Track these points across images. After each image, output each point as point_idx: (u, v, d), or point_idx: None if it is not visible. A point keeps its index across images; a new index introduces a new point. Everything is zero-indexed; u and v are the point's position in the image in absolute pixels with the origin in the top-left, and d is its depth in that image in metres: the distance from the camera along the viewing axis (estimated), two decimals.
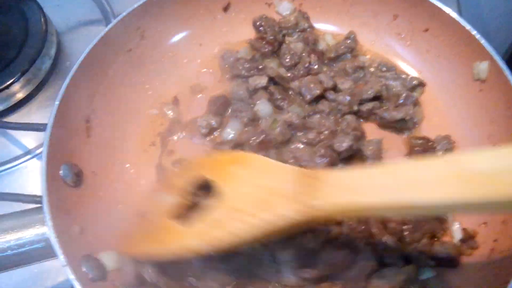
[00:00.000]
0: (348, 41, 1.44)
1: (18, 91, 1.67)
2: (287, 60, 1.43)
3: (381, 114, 1.30)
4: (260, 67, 1.41)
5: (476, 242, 1.15)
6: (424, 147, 1.27)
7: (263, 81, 1.37)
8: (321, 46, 1.47)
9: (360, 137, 1.26)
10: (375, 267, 1.10)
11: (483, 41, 1.26)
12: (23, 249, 1.06)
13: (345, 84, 1.35)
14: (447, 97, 1.37)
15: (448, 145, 1.28)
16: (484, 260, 1.12)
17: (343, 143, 1.21)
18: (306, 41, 1.46)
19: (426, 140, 1.29)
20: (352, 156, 1.25)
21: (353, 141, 1.22)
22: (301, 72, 1.41)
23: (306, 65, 1.42)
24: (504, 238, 1.12)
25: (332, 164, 1.20)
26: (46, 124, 1.18)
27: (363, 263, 1.10)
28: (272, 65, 1.45)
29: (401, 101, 1.31)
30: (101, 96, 1.34)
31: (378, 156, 1.25)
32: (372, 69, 1.42)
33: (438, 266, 1.13)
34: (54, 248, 1.03)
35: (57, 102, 1.19)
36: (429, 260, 1.13)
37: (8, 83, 1.61)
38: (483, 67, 1.27)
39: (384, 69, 1.42)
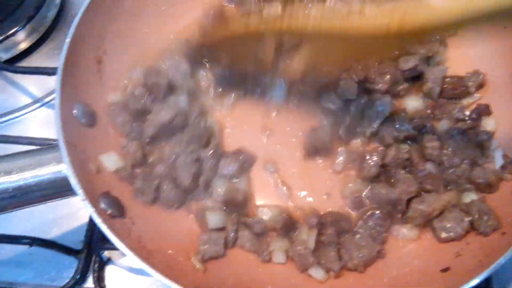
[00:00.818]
0: None
1: (24, 39, 1.63)
2: None
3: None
4: None
5: None
6: (454, 85, 1.26)
7: None
8: None
9: (425, 59, 1.27)
10: (415, 193, 1.12)
11: None
12: (41, 186, 1.04)
13: None
14: (471, 34, 1.32)
15: (478, 78, 1.26)
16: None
17: (409, 62, 1.23)
18: None
19: (457, 77, 1.27)
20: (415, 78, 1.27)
21: (418, 61, 1.24)
22: None
23: None
24: None
25: (394, 82, 1.23)
26: (56, 68, 1.14)
27: (404, 187, 1.12)
28: None
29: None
30: (112, 37, 1.29)
31: (439, 83, 1.25)
32: None
33: (477, 190, 1.14)
34: (72, 184, 1.01)
35: (68, 40, 1.15)
36: (468, 185, 1.14)
37: (13, 30, 1.57)
38: None
39: None
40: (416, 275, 1.07)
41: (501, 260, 0.94)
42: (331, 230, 1.13)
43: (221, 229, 1.16)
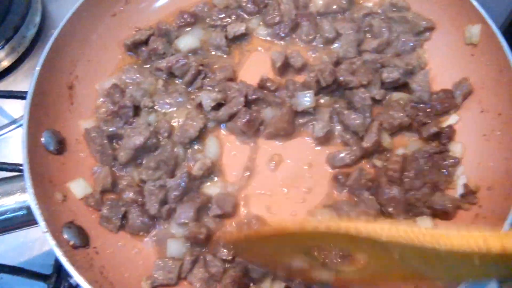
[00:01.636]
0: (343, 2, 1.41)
1: (3, 59, 1.63)
2: (270, 18, 1.41)
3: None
4: (234, 17, 1.41)
5: (476, 198, 1.15)
6: (441, 99, 1.27)
7: (242, 28, 1.36)
8: (312, 8, 1.43)
9: (410, 71, 1.29)
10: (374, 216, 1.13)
11: (475, 3, 1.23)
12: (4, 216, 1.05)
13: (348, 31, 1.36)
14: (439, 61, 1.33)
15: (466, 88, 1.26)
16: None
17: (392, 74, 1.25)
18: (296, 4, 1.42)
19: (443, 91, 1.28)
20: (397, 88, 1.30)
21: (401, 75, 1.26)
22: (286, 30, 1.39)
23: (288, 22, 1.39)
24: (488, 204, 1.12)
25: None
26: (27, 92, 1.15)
27: (364, 209, 1.14)
28: (253, 21, 1.44)
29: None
30: (84, 62, 1.31)
31: (427, 86, 1.27)
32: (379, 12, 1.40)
33: (433, 216, 1.14)
34: (35, 215, 1.02)
35: (38, 68, 1.17)
36: (425, 209, 1.14)
37: None
38: (475, 30, 1.25)
39: (394, 9, 1.40)
40: None
41: None
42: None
43: (178, 259, 1.15)
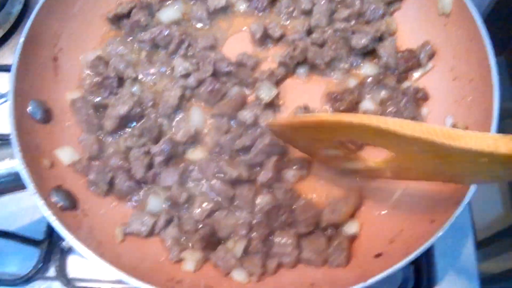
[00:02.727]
0: None
1: None
2: None
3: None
4: None
5: None
6: (406, 58, 1.33)
7: (222, 1, 1.39)
8: None
9: (378, 38, 1.34)
10: None
11: None
12: None
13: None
14: (411, 31, 1.38)
15: (429, 51, 1.32)
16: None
17: (360, 40, 1.31)
18: None
19: (409, 50, 1.34)
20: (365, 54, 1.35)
21: (370, 41, 1.31)
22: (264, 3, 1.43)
23: None
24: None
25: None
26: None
27: None
28: None
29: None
30: (67, 35, 1.34)
31: (393, 54, 1.32)
32: None
33: None
34: (23, 179, 1.05)
35: (22, 39, 1.19)
36: None
37: None
38: (447, 1, 1.28)
39: None
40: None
41: (426, 245, 1.01)
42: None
43: (155, 215, 1.21)
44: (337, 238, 1.17)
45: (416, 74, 1.35)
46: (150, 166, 1.22)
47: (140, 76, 1.34)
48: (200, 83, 1.30)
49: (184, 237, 1.18)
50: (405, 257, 1.01)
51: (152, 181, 1.23)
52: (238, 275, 1.14)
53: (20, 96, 1.16)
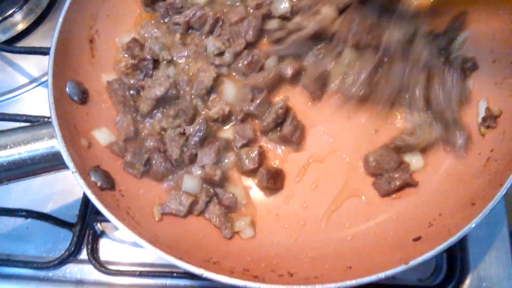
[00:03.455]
0: None
1: (21, 21, 1.67)
2: None
3: None
4: None
5: (495, 122, 1.21)
6: None
7: None
8: None
9: None
10: None
11: None
12: (34, 161, 1.09)
13: None
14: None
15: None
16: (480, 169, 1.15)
17: None
18: None
19: None
20: None
21: None
22: None
23: None
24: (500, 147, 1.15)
25: None
26: (49, 48, 1.19)
27: None
28: None
29: None
30: (103, 16, 1.34)
31: None
32: None
33: None
34: (63, 158, 1.06)
35: (60, 20, 1.20)
36: None
37: (11, 12, 1.62)
38: None
39: None
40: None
41: (467, 228, 0.99)
42: None
43: (193, 195, 1.21)
44: (399, 172, 1.20)
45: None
46: (185, 147, 1.23)
47: (175, 58, 1.34)
48: (236, 56, 1.31)
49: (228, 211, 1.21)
50: (445, 241, 1.00)
51: (189, 162, 1.23)
52: None
53: (58, 76, 1.17)
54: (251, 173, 1.25)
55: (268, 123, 1.25)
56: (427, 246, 1.02)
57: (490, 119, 1.21)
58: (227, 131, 1.29)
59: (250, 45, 1.33)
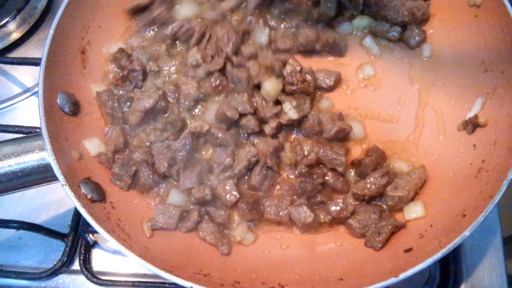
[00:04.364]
0: None
1: (14, 30, 1.67)
2: None
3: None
4: None
5: (473, 130, 1.22)
6: None
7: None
8: None
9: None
10: None
11: None
12: (25, 173, 1.09)
13: None
14: (441, 24, 1.36)
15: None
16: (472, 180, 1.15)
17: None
18: None
19: None
20: None
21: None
22: None
23: None
24: (492, 158, 1.14)
25: None
26: (41, 58, 1.19)
27: None
28: None
29: None
30: (95, 27, 1.34)
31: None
32: None
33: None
34: (53, 170, 1.06)
35: (51, 32, 1.20)
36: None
37: (4, 21, 1.63)
38: None
39: None
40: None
41: (458, 240, 0.99)
42: None
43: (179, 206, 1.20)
44: (384, 220, 1.16)
45: None
46: (172, 160, 1.22)
47: (161, 70, 1.34)
48: (209, 75, 1.30)
49: (222, 228, 1.20)
50: (436, 253, 1.00)
51: (177, 177, 1.22)
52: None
53: (49, 88, 1.17)
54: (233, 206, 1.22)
55: (240, 170, 1.22)
56: (418, 257, 1.01)
57: (472, 125, 1.22)
58: (209, 151, 1.28)
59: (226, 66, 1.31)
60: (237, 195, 1.19)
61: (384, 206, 1.21)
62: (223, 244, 1.17)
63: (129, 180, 1.21)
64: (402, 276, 0.98)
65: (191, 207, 1.22)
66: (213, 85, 1.28)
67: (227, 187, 1.20)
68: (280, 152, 1.27)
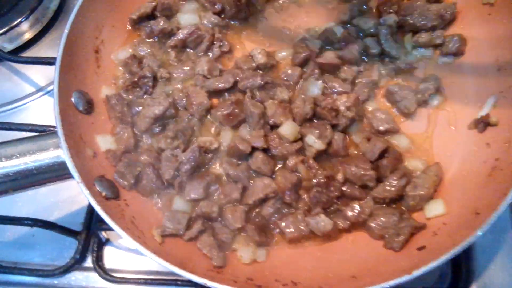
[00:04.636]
0: None
1: (27, 30, 1.69)
2: None
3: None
4: None
5: (484, 129, 1.22)
6: None
7: None
8: None
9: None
10: None
11: None
12: (40, 171, 1.10)
13: None
14: (455, 22, 1.36)
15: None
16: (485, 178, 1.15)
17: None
18: None
19: None
20: None
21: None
22: None
23: None
24: (506, 157, 1.14)
25: None
26: (55, 58, 1.20)
27: None
28: None
29: None
30: (109, 27, 1.36)
31: None
32: None
33: None
34: (69, 168, 1.07)
35: (66, 31, 1.22)
36: None
37: (17, 21, 1.65)
38: None
39: None
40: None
41: (472, 238, 0.99)
42: None
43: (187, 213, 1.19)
44: (404, 221, 1.14)
45: None
46: (177, 171, 1.21)
47: (172, 76, 1.35)
48: (218, 92, 1.31)
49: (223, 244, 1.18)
50: (449, 251, 1.00)
51: (178, 189, 1.21)
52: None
53: (64, 87, 1.18)
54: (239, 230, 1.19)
55: (254, 201, 1.19)
56: (431, 255, 1.01)
57: (484, 124, 1.22)
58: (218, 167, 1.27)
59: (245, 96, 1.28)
60: (243, 223, 1.16)
61: (403, 207, 1.20)
62: (217, 258, 1.13)
63: (132, 180, 1.20)
64: (415, 273, 0.98)
65: (194, 214, 1.20)
66: (225, 113, 1.26)
67: (236, 213, 1.18)
68: (299, 187, 1.22)
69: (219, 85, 1.29)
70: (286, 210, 1.20)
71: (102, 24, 1.34)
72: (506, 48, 1.24)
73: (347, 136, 1.27)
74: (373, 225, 1.16)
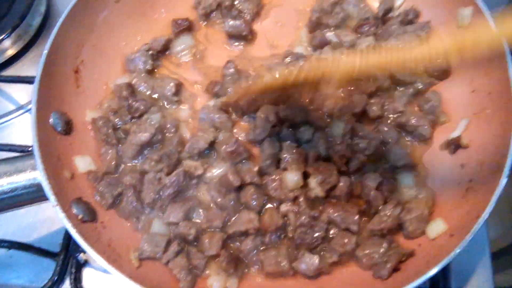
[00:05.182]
0: None
1: (9, 47, 1.68)
2: None
3: None
4: None
5: (455, 152, 1.24)
6: None
7: None
8: None
9: None
10: None
11: None
12: (16, 193, 1.10)
13: None
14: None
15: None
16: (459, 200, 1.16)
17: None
18: None
19: None
20: None
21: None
22: None
23: None
24: (479, 178, 1.16)
25: None
26: (35, 77, 1.20)
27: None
28: None
29: None
30: (89, 46, 1.36)
31: None
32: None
33: None
34: (45, 190, 1.07)
35: (45, 51, 1.22)
36: None
37: None
38: (467, 13, 1.28)
39: None
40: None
41: (446, 260, 1.00)
42: None
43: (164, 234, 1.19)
44: (392, 250, 1.13)
45: None
46: (160, 194, 1.21)
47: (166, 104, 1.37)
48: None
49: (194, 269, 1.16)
50: (424, 274, 1.01)
51: (158, 211, 1.21)
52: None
53: (42, 107, 1.18)
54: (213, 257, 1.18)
55: (234, 232, 1.18)
56: (405, 278, 1.02)
57: (455, 146, 1.23)
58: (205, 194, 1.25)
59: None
60: (218, 251, 1.15)
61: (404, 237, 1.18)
62: (185, 282, 1.12)
63: (110, 200, 1.19)
64: None
65: (172, 235, 1.19)
66: (228, 150, 1.23)
67: (213, 239, 1.16)
68: (283, 231, 1.20)
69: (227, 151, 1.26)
70: (264, 247, 1.19)
71: (82, 43, 1.34)
72: (480, 70, 1.26)
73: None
74: (361, 254, 1.14)
